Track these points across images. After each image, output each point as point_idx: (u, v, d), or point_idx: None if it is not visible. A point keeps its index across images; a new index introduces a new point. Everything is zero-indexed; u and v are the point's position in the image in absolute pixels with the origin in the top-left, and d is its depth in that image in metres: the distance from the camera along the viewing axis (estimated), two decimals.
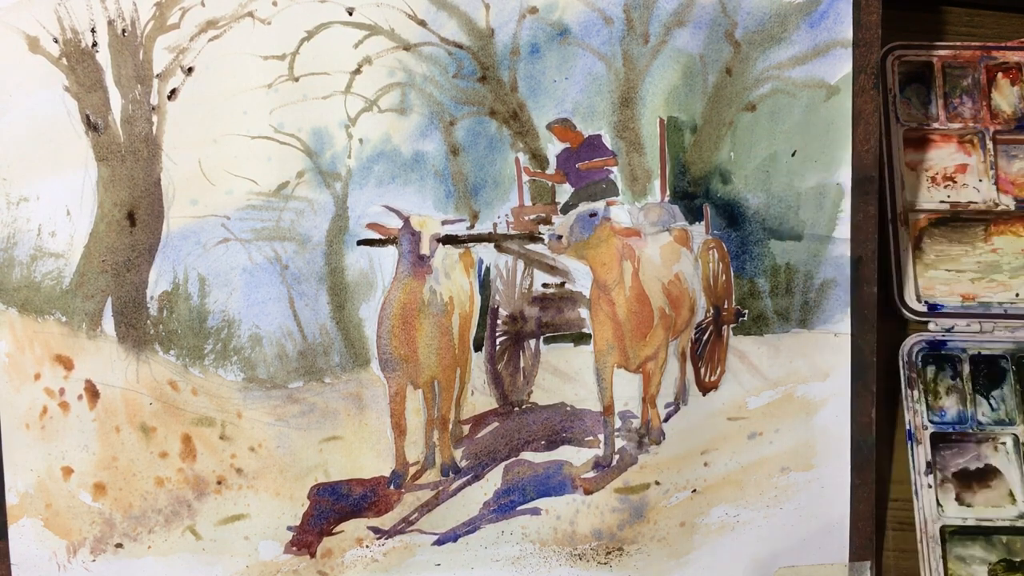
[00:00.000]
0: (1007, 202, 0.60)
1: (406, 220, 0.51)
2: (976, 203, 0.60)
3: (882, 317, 0.54)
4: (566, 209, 0.52)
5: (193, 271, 0.50)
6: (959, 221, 0.60)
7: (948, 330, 0.59)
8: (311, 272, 0.51)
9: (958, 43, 0.62)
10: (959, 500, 0.58)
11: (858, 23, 0.52)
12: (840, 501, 0.55)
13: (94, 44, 0.49)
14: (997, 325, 0.59)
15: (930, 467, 0.57)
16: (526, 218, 0.52)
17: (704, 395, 0.54)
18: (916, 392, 0.58)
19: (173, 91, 0.49)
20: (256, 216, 0.51)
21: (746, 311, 0.54)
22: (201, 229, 0.50)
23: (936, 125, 0.61)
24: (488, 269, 0.52)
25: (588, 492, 0.54)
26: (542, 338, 0.53)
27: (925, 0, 0.64)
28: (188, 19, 0.49)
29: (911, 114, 0.62)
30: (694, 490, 0.54)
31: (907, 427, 0.58)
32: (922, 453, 0.57)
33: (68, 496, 0.51)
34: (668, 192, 0.53)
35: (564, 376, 0.53)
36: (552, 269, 0.53)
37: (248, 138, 0.50)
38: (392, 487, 0.53)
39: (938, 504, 0.57)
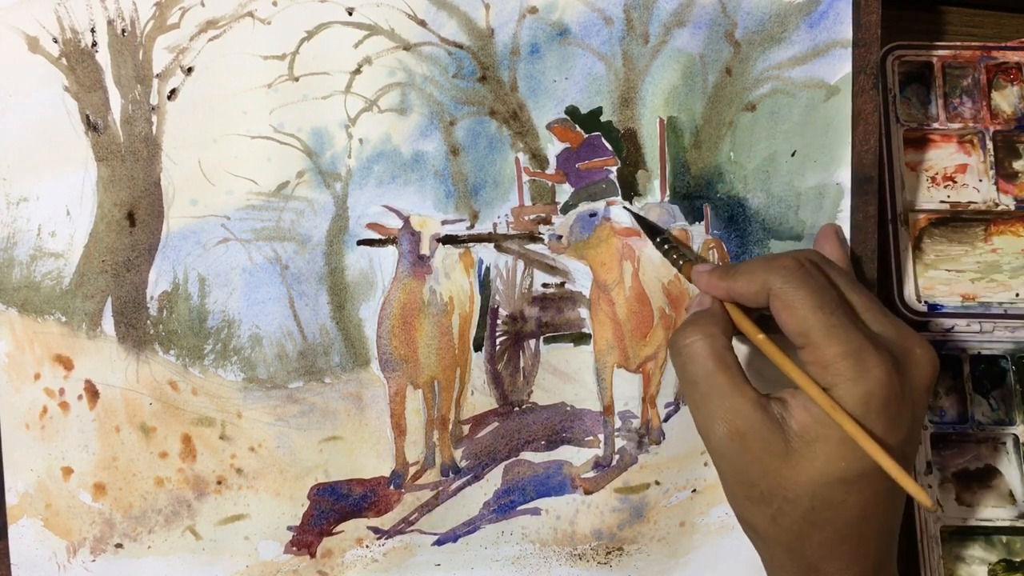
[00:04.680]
0: (1007, 202, 0.60)
1: (406, 220, 0.51)
2: (976, 203, 0.60)
3: None
4: (566, 209, 0.52)
5: (193, 271, 0.50)
6: (959, 221, 0.60)
7: (948, 330, 0.59)
8: (311, 272, 0.51)
9: (958, 43, 0.62)
10: (959, 500, 0.58)
11: (858, 23, 0.52)
12: None
13: (94, 44, 0.49)
14: (997, 325, 0.59)
15: (930, 467, 0.57)
16: (526, 218, 0.52)
17: None
18: None
19: (173, 91, 0.49)
20: (256, 216, 0.51)
21: None
22: (201, 229, 0.50)
23: (936, 125, 0.61)
24: (488, 269, 0.52)
25: (588, 492, 0.54)
26: (542, 338, 0.53)
27: (925, 0, 0.64)
28: (188, 19, 0.49)
29: (911, 114, 0.62)
30: (694, 490, 0.54)
31: None
32: (922, 453, 0.57)
33: (68, 496, 0.51)
34: (668, 192, 0.53)
35: (564, 376, 0.53)
36: (552, 269, 0.53)
37: (248, 138, 0.50)
38: (392, 487, 0.53)
39: (938, 504, 0.57)
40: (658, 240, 0.51)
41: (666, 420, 0.54)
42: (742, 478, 0.41)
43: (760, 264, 0.43)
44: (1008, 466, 0.58)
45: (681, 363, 0.43)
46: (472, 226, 0.52)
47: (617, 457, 0.54)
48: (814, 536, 0.41)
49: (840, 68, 0.52)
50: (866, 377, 0.39)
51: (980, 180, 0.61)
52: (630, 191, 0.52)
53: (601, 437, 0.54)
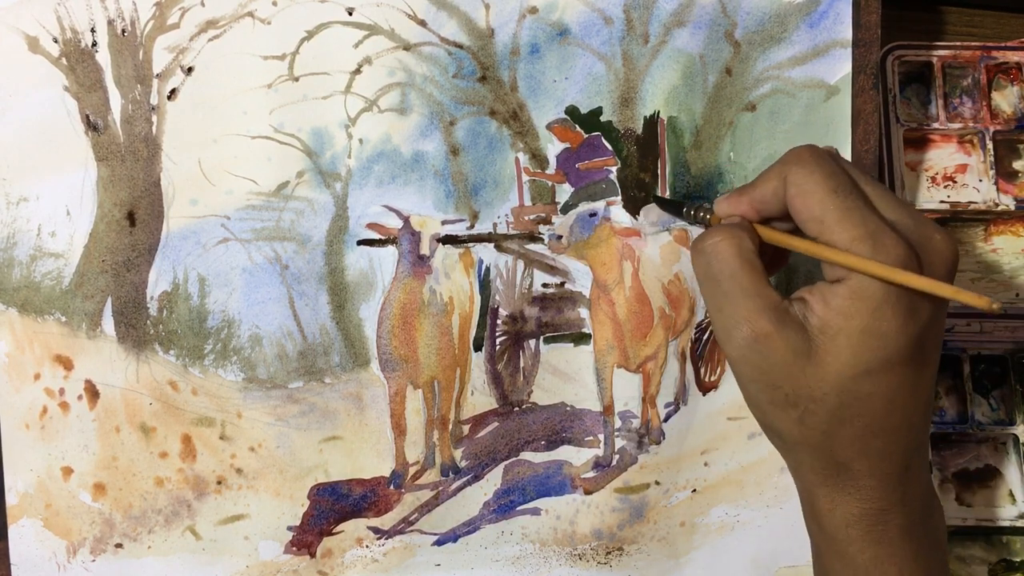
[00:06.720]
0: (1007, 202, 0.60)
1: (406, 220, 0.51)
2: (976, 203, 0.60)
3: None
4: (566, 209, 0.52)
5: (193, 271, 0.50)
6: (959, 221, 0.60)
7: (948, 330, 0.59)
8: (311, 272, 0.51)
9: (958, 43, 0.62)
10: (959, 500, 0.58)
11: (858, 23, 0.52)
12: None
13: (94, 44, 0.49)
14: (997, 325, 0.59)
15: (930, 467, 0.57)
16: (526, 218, 0.52)
17: (704, 395, 0.54)
18: None
19: (173, 91, 0.49)
20: (256, 216, 0.51)
21: None
22: (201, 229, 0.50)
23: (936, 125, 0.61)
24: (488, 269, 0.52)
25: (588, 492, 0.54)
26: (542, 338, 0.53)
27: (925, 0, 0.64)
28: (188, 19, 0.49)
29: (911, 114, 0.62)
30: (694, 490, 0.54)
31: None
32: None
33: (68, 496, 0.51)
34: (668, 192, 0.53)
35: (564, 376, 0.53)
36: (552, 269, 0.53)
37: (248, 138, 0.50)
38: (392, 487, 0.53)
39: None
40: (684, 211, 0.50)
41: (666, 420, 0.54)
42: (765, 382, 0.40)
43: (775, 163, 0.42)
44: (1008, 466, 0.58)
45: (705, 262, 0.41)
46: (472, 226, 0.52)
47: (617, 457, 0.54)
48: (842, 433, 0.40)
49: (840, 68, 0.52)
50: (883, 260, 0.38)
51: (980, 180, 0.61)
52: (630, 192, 0.52)
53: (601, 437, 0.54)
